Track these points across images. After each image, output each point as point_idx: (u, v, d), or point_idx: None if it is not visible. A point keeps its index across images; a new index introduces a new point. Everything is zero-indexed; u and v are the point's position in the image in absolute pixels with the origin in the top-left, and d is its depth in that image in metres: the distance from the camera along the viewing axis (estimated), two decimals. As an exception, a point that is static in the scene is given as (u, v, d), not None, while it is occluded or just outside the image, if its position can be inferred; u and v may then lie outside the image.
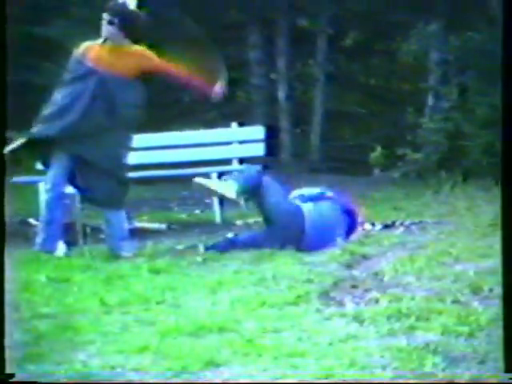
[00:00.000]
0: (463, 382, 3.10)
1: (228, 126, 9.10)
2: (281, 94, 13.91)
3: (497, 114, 10.50)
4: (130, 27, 6.24)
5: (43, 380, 3.32)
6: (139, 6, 6.29)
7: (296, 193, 6.47)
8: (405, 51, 12.10)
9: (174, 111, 14.35)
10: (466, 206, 8.41)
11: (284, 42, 13.97)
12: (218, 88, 6.48)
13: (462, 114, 11.24)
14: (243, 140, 8.78)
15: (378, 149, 12.13)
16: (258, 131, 8.92)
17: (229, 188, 6.24)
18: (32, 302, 4.56)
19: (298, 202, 6.32)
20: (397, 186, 10.98)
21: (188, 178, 9.11)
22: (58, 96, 6.33)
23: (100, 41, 6.34)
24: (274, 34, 14.08)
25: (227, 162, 8.69)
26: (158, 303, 4.44)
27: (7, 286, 4.96)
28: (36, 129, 6.38)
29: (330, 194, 6.47)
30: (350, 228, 6.40)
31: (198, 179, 6.46)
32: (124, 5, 6.24)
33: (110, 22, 6.21)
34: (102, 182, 6.21)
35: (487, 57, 10.93)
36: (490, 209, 7.87)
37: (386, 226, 7.20)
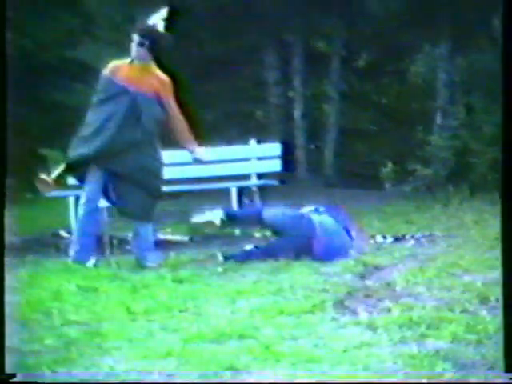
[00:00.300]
0: (464, 382, 3.09)
1: (247, 142, 9.11)
2: (297, 112, 13.92)
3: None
4: (158, 49, 6.30)
5: (43, 380, 3.32)
6: (167, 27, 6.34)
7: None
8: (414, 72, 12.08)
9: (196, 129, 14.36)
10: (473, 220, 8.36)
11: (300, 62, 13.98)
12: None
13: (469, 131, 11.21)
14: (261, 156, 8.79)
15: (390, 164, 12.12)
16: (274, 148, 8.93)
17: (215, 216, 6.31)
18: (63, 310, 4.56)
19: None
20: (407, 200, 10.94)
21: (209, 192, 9.18)
22: (94, 117, 6.36)
23: (127, 60, 6.37)
24: (291, 56, 14.10)
25: (246, 177, 8.70)
26: (181, 311, 4.44)
27: (41, 294, 5.01)
28: (75, 151, 6.40)
29: (322, 209, 6.49)
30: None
31: (194, 219, 6.59)
32: (154, 27, 6.30)
33: (141, 44, 6.26)
34: (134, 195, 6.24)
35: (492, 77, 10.89)
36: (496, 222, 7.79)
37: (398, 239, 7.17)
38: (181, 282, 5.34)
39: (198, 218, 6.60)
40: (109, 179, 6.28)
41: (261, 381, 3.20)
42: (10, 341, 3.91)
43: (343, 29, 13.84)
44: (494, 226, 7.59)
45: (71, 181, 9.07)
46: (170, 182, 8.50)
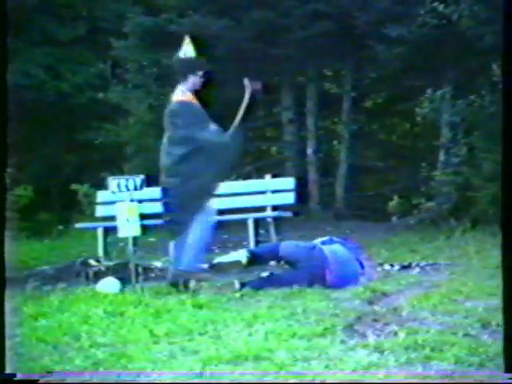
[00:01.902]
0: (465, 382, 3.07)
1: (263, 177, 9.13)
2: (309, 149, 13.93)
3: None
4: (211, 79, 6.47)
5: (43, 380, 3.32)
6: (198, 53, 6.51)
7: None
8: (418, 113, 12.08)
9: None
10: (475, 250, 8.30)
11: (312, 103, 14.02)
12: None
13: (470, 168, 11.18)
14: (276, 190, 8.79)
15: (396, 198, 12.07)
16: (288, 182, 8.93)
17: (240, 256, 6.30)
18: (91, 333, 4.57)
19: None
20: (413, 231, 10.89)
21: (228, 223, 9.18)
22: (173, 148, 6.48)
23: (187, 92, 6.50)
24: (304, 97, 14.15)
25: (262, 209, 8.70)
26: (200, 334, 4.44)
27: (70, 319, 5.02)
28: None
29: (336, 239, 6.48)
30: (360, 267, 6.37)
31: (219, 259, 6.58)
32: (204, 61, 6.48)
33: (202, 76, 6.46)
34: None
35: (491, 119, 10.91)
36: (496, 252, 7.73)
37: (404, 267, 7.14)
38: (200, 307, 5.33)
39: (222, 259, 6.58)
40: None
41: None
42: (43, 361, 3.95)
43: (353, 72, 13.90)
44: (494, 255, 7.54)
45: (99, 213, 9.15)
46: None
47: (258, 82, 6.68)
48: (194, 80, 6.50)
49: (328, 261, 6.08)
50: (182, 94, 6.53)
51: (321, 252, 6.16)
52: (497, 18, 10.20)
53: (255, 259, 6.36)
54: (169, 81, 13.74)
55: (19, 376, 3.31)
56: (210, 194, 6.49)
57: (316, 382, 3.29)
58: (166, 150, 6.55)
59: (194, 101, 6.51)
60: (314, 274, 6.01)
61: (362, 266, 6.31)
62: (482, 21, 10.67)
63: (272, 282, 6.18)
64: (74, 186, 12.67)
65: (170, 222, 6.64)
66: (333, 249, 6.23)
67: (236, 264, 6.39)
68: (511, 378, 3.02)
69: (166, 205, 6.72)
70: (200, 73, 6.51)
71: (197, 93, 6.55)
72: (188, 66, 6.45)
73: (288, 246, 6.37)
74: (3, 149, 3.64)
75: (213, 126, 6.52)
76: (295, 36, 12.41)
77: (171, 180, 6.47)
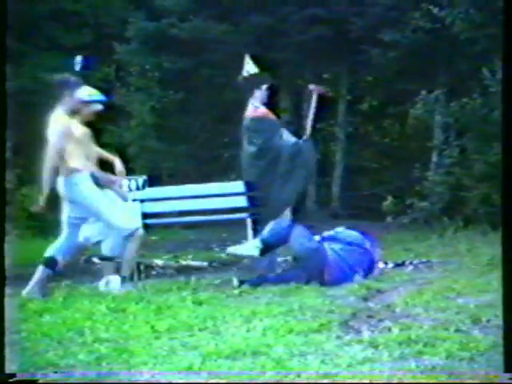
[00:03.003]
0: (464, 381, 3.07)
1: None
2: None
3: (491, 170, 10.48)
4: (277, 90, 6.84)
5: (43, 380, 3.31)
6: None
7: (325, 234, 6.46)
8: (412, 115, 12.10)
9: (215, 166, 14.43)
10: (466, 248, 8.32)
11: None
12: None
13: (462, 169, 11.20)
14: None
15: (390, 198, 12.08)
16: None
17: (253, 248, 6.28)
18: (94, 329, 4.56)
19: (322, 242, 6.31)
20: (406, 230, 10.90)
21: (227, 222, 9.17)
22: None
23: (259, 107, 6.72)
24: (301, 100, 14.14)
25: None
26: (200, 330, 4.43)
27: (74, 315, 5.01)
28: None
29: (353, 233, 6.45)
30: (369, 266, 6.35)
31: (230, 249, 6.53)
32: (267, 75, 6.61)
33: (268, 89, 6.56)
34: None
35: (482, 121, 10.93)
36: (487, 250, 7.79)
37: (398, 265, 7.14)
38: (200, 303, 5.32)
39: (234, 250, 6.55)
40: None
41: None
42: (47, 356, 3.94)
43: (349, 75, 13.91)
44: (485, 253, 7.57)
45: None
46: (191, 213, 8.54)
47: (322, 87, 6.80)
48: (262, 94, 6.64)
49: (329, 263, 6.07)
50: (254, 109, 6.74)
51: (323, 253, 6.13)
52: (490, 22, 10.24)
53: (267, 250, 6.31)
54: (170, 84, 13.77)
55: (19, 376, 3.30)
56: (290, 201, 6.55)
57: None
58: (249, 162, 6.77)
59: (267, 114, 6.65)
60: (312, 275, 6.00)
61: (372, 262, 6.31)
62: (476, 25, 10.68)
63: (270, 280, 6.17)
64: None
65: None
66: (337, 248, 6.19)
67: (249, 256, 6.38)
68: (511, 378, 3.01)
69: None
70: (265, 86, 6.65)
71: (266, 105, 6.66)
72: (253, 83, 6.59)
73: (295, 239, 6.28)
74: (2, 149, 3.63)
75: (287, 136, 6.65)
76: (293, 40, 12.42)
77: (258, 190, 6.79)
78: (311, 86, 6.79)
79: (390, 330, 4.24)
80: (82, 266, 7.81)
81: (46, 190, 5.86)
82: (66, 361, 3.84)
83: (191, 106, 14.52)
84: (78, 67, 6.01)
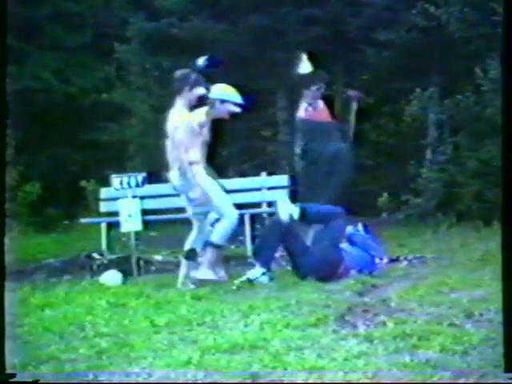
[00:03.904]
0: (465, 382, 3.07)
1: (259, 175, 9.13)
2: (303, 148, 13.93)
3: (484, 167, 10.48)
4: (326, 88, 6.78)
5: (43, 380, 3.31)
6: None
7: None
8: (407, 113, 12.09)
9: (214, 163, 14.40)
10: (459, 244, 8.32)
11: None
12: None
13: (456, 166, 11.19)
14: (271, 187, 8.78)
15: (385, 195, 12.06)
16: (283, 179, 8.91)
17: (295, 210, 6.21)
18: (95, 323, 4.57)
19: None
20: (401, 226, 10.89)
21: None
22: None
23: (308, 109, 6.78)
24: (298, 98, 14.13)
25: (258, 205, 8.70)
26: (199, 325, 4.43)
27: (76, 310, 5.02)
28: None
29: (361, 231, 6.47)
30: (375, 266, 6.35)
31: (280, 202, 6.39)
32: (321, 73, 6.55)
33: (318, 89, 6.56)
34: None
35: (475, 118, 10.93)
36: (480, 246, 7.80)
37: (392, 260, 7.12)
38: (199, 298, 5.32)
39: (281, 205, 6.36)
40: None
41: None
42: (48, 350, 3.94)
43: (345, 74, 13.90)
44: (478, 249, 7.57)
45: (103, 208, 9.13)
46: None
47: (359, 91, 6.83)
48: (312, 94, 6.63)
49: (342, 264, 6.05)
50: (304, 110, 6.75)
51: (339, 256, 6.11)
52: (484, 22, 10.24)
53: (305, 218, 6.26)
54: (170, 83, 13.77)
55: (19, 376, 3.30)
56: (328, 202, 6.68)
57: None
58: (296, 160, 6.92)
59: (313, 115, 6.64)
60: (322, 278, 5.94)
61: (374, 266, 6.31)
62: (470, 23, 10.68)
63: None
64: (82, 183, 12.66)
65: None
66: (352, 251, 6.19)
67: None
68: (511, 378, 3.00)
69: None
70: (315, 86, 6.59)
71: (317, 106, 6.72)
72: (306, 81, 6.58)
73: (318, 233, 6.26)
74: (2, 148, 3.63)
75: (334, 138, 6.62)
76: (290, 40, 12.41)
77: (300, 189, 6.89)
78: (350, 92, 6.78)
79: (385, 324, 4.25)
80: (82, 262, 7.80)
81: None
82: (67, 355, 3.85)
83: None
84: (203, 65, 6.06)
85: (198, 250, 6.05)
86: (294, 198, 6.89)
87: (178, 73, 6.21)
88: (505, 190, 3.25)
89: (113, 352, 3.86)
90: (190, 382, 3.33)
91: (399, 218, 11.54)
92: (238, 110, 6.15)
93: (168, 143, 6.06)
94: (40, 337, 4.32)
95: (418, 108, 11.63)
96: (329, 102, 6.95)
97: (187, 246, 6.11)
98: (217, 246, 5.92)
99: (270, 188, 8.76)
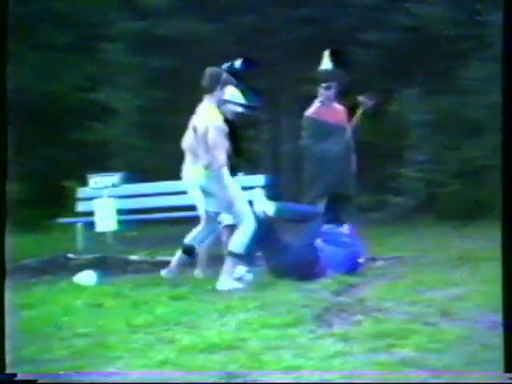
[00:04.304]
0: (464, 382, 3.09)
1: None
2: (283, 148, 13.94)
3: (465, 166, 10.56)
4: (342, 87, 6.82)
5: (43, 380, 3.31)
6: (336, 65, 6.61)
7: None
8: (389, 113, 12.14)
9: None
10: (438, 243, 8.36)
11: (287, 103, 13.99)
12: None
13: (436, 165, 11.27)
14: (247, 186, 8.79)
15: (365, 194, 12.11)
16: (259, 179, 8.91)
17: (269, 207, 6.24)
18: (72, 324, 4.56)
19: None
20: (381, 225, 10.93)
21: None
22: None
23: (317, 106, 6.81)
24: (281, 99, 14.12)
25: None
26: (176, 325, 4.44)
27: (53, 310, 5.00)
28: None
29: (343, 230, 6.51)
30: (353, 265, 6.37)
31: (256, 191, 6.47)
32: (336, 72, 6.55)
33: (328, 88, 6.53)
34: None
35: (457, 118, 11.00)
36: (458, 245, 7.86)
37: (370, 259, 7.15)
38: (176, 298, 5.31)
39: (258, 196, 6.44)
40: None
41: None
42: (26, 350, 3.93)
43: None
44: (455, 247, 7.63)
45: (80, 208, 9.11)
46: (176, 209, 8.53)
47: (371, 98, 6.87)
48: (325, 93, 6.65)
49: (318, 263, 6.07)
50: (314, 107, 6.76)
51: (314, 255, 6.13)
52: (468, 22, 10.36)
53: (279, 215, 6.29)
54: (156, 83, 13.73)
55: (19, 376, 3.31)
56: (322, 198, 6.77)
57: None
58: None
59: (320, 114, 6.65)
60: (298, 278, 5.95)
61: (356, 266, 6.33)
62: (454, 24, 10.78)
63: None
64: (64, 183, 12.60)
65: None
66: (327, 250, 6.22)
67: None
68: (511, 378, 3.02)
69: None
70: (325, 85, 6.62)
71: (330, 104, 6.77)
72: (318, 78, 6.62)
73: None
74: (3, 148, 3.63)
75: (335, 139, 6.63)
76: (279, 40, 12.44)
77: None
78: (360, 98, 6.83)
79: (361, 323, 4.27)
80: (60, 262, 7.78)
81: None
82: (44, 356, 3.84)
83: (177, 105, 14.43)
84: (239, 67, 6.08)
85: (196, 246, 6.10)
86: (272, 198, 6.90)
87: (210, 70, 6.18)
88: (505, 190, 3.28)
89: (90, 352, 3.86)
90: (166, 382, 3.34)
91: (379, 218, 11.58)
92: (240, 109, 6.19)
93: (189, 136, 6.03)
94: (17, 338, 4.30)
95: (399, 108, 11.70)
96: (353, 107, 7.00)
97: (187, 240, 6.13)
98: (237, 256, 5.88)
99: (246, 188, 8.76)
